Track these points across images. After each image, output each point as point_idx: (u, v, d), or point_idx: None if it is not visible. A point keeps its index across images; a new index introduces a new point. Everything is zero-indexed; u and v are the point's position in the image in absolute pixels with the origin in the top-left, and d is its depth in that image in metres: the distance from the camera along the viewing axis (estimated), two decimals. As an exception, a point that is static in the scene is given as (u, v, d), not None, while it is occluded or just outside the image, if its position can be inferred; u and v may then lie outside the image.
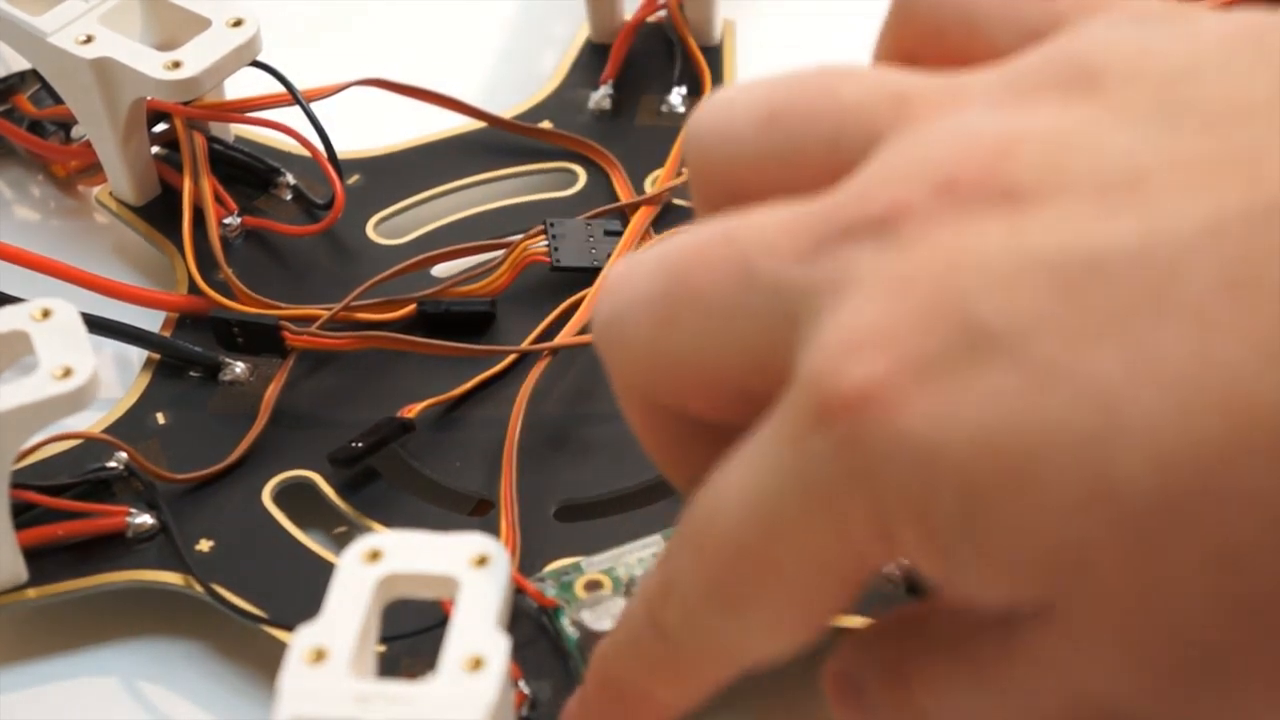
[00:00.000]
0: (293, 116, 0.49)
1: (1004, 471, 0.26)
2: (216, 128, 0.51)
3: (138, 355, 0.48)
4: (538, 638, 0.40)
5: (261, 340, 0.46)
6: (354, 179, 0.51)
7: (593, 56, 0.54)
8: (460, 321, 0.47)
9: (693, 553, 0.30)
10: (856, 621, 0.40)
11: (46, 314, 0.41)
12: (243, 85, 0.49)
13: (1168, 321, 0.26)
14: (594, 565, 0.41)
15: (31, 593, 0.42)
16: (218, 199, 0.49)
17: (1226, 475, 0.25)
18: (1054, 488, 0.26)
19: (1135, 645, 0.26)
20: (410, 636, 0.39)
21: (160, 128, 0.51)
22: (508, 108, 0.52)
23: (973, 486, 0.26)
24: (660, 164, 0.50)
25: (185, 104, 0.49)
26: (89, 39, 0.48)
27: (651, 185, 0.50)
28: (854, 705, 0.31)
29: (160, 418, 0.46)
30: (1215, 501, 0.25)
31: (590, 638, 0.39)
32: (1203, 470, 0.25)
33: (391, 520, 0.43)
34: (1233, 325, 0.25)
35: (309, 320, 0.46)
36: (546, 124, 0.52)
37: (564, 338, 0.46)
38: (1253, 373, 0.25)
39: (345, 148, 0.50)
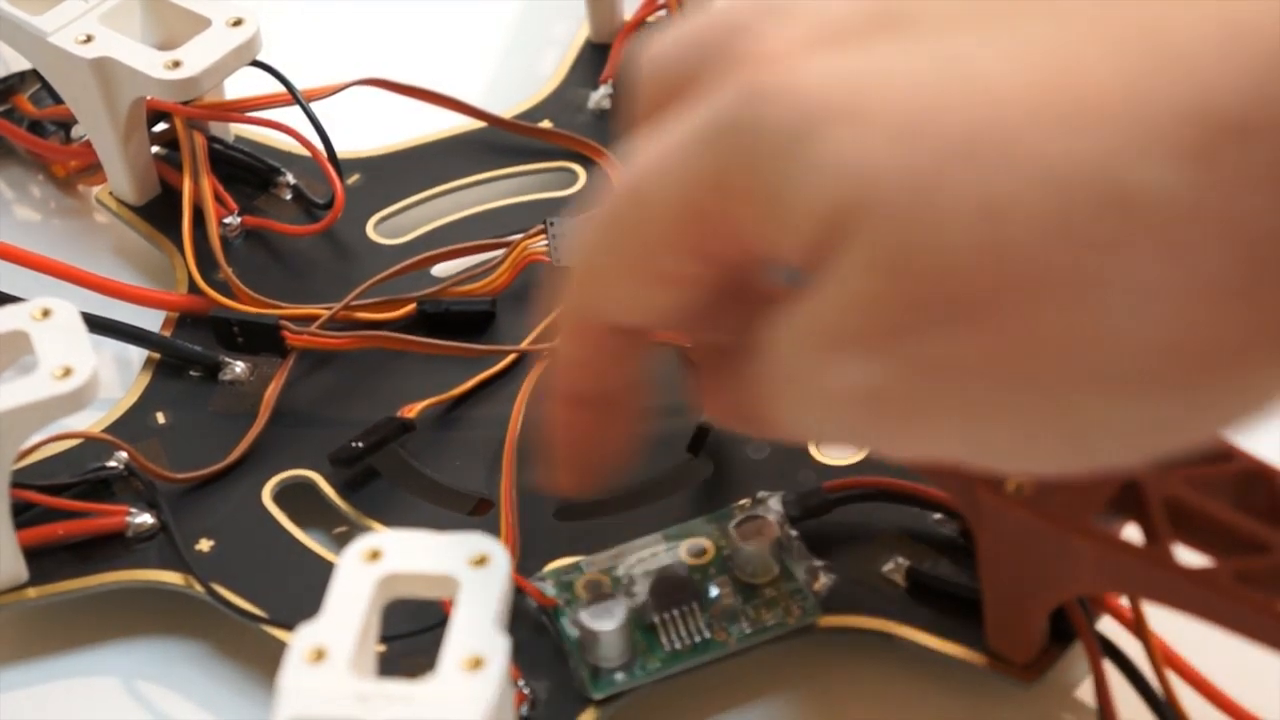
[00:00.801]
0: (293, 116, 0.49)
1: (844, 108, 0.29)
2: (216, 128, 0.51)
3: (138, 355, 0.48)
4: (538, 638, 0.40)
5: (261, 340, 0.46)
6: (354, 179, 0.51)
7: (593, 56, 0.54)
8: (460, 321, 0.47)
9: (608, 200, 0.34)
10: (840, 621, 0.40)
11: (46, 314, 0.41)
12: (243, 85, 0.49)
13: (1021, 21, 0.29)
14: (594, 565, 0.41)
15: (31, 593, 0.42)
16: (218, 199, 0.49)
17: (1019, 144, 0.28)
18: (880, 120, 0.29)
19: (894, 284, 0.29)
20: (410, 636, 0.39)
21: (160, 127, 0.51)
22: (508, 108, 0.52)
23: (811, 115, 0.30)
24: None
25: (185, 104, 0.49)
26: (89, 39, 0.48)
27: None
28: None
29: (160, 417, 0.46)
30: (1000, 156, 0.28)
31: (590, 638, 0.39)
32: (1000, 126, 0.28)
33: (391, 520, 0.43)
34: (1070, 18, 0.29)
35: (309, 320, 0.46)
36: (546, 124, 0.52)
37: (564, 337, 0.46)
38: (1073, 52, 0.29)
39: (345, 148, 0.50)
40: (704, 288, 0.34)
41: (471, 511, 0.44)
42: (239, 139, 0.52)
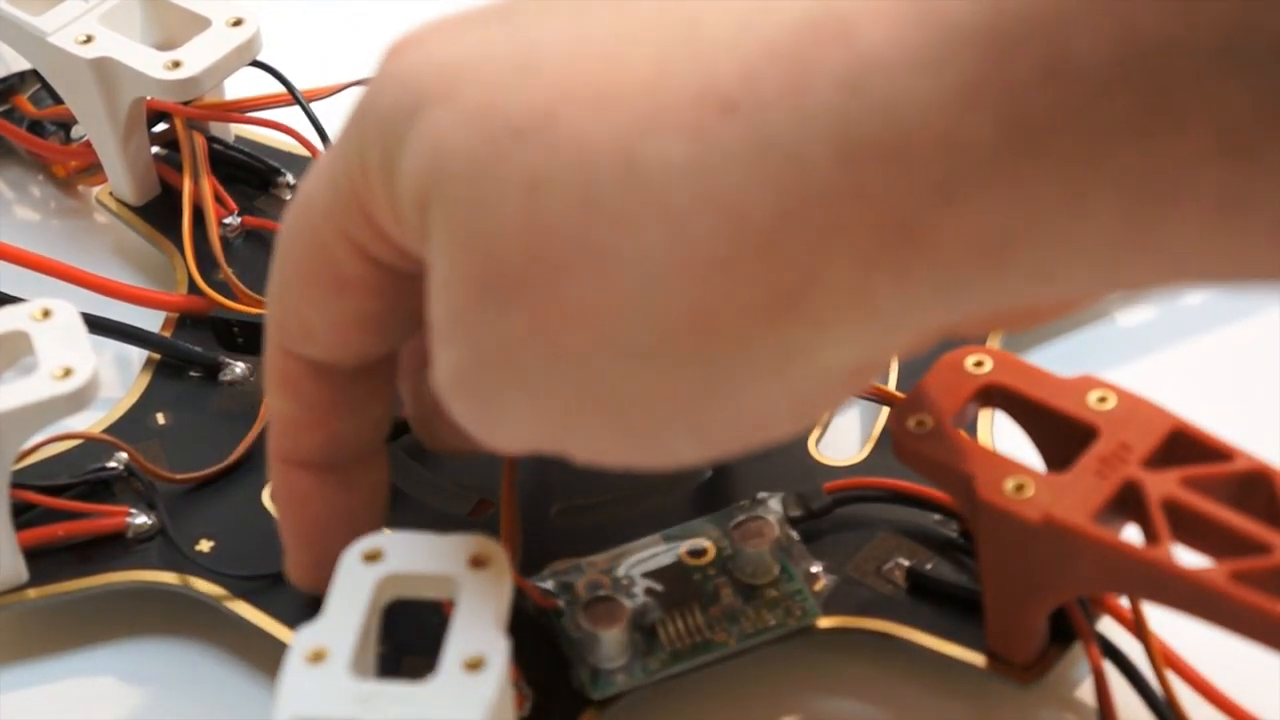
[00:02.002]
0: (293, 116, 0.49)
1: (441, 90, 0.31)
2: (216, 128, 0.51)
3: (138, 355, 0.48)
4: (538, 638, 0.40)
5: (261, 340, 0.46)
6: (354, 179, 0.51)
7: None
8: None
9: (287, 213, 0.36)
10: (840, 622, 0.40)
11: (46, 314, 0.41)
12: (243, 85, 0.49)
13: (595, 12, 0.32)
14: (594, 565, 0.41)
15: (31, 593, 0.42)
16: (218, 199, 0.49)
17: (559, 123, 0.31)
18: (461, 102, 0.31)
19: (459, 266, 0.31)
20: (409, 638, 0.39)
21: (160, 128, 0.51)
22: (508, 108, 0.52)
23: (418, 98, 0.32)
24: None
25: (185, 104, 0.49)
26: (89, 39, 0.48)
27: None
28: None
29: (160, 418, 0.46)
30: (543, 137, 0.30)
31: (590, 638, 0.39)
32: (548, 107, 0.31)
33: (391, 520, 0.43)
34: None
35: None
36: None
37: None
38: (626, 41, 0.31)
39: (345, 148, 0.50)
40: (378, 294, 0.35)
41: (471, 511, 0.44)
42: (239, 139, 0.52)
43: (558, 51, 0.31)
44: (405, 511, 0.43)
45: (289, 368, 0.37)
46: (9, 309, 0.41)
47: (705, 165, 0.30)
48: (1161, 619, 0.37)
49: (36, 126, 0.52)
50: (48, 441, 0.44)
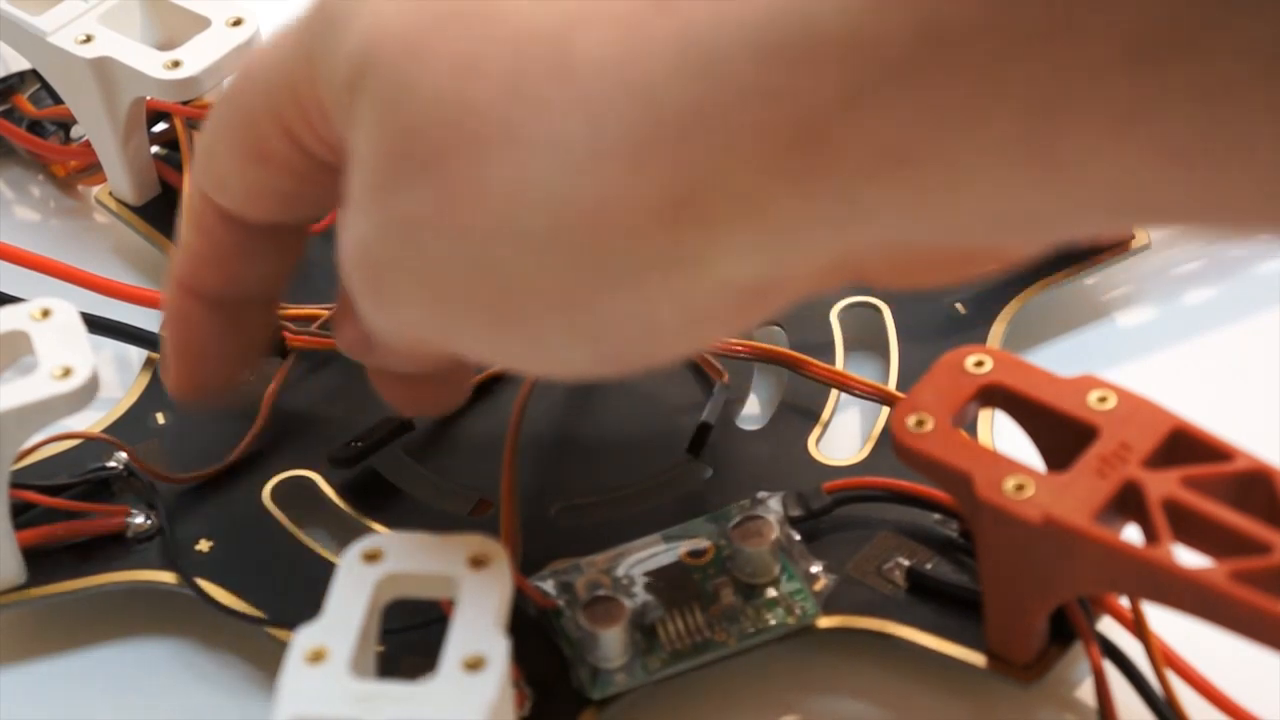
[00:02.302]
0: (293, 116, 0.49)
1: (402, 44, 0.32)
2: (216, 127, 0.51)
3: (138, 355, 0.48)
4: (538, 638, 0.40)
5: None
6: (354, 179, 0.51)
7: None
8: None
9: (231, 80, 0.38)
10: (841, 622, 0.40)
11: (46, 314, 0.41)
12: (243, 85, 0.49)
13: None
14: (594, 565, 0.41)
15: (31, 593, 0.42)
16: (218, 199, 0.49)
17: (499, 9, 0.31)
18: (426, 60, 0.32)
19: (382, 140, 0.33)
20: (409, 631, 0.39)
21: (160, 127, 0.51)
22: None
23: (370, 44, 0.33)
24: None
25: (185, 103, 0.49)
26: (89, 38, 0.48)
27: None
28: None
29: (160, 418, 0.46)
30: (481, 19, 0.31)
31: (590, 638, 0.39)
32: (487, 1, 0.32)
33: (391, 520, 0.43)
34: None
35: (309, 320, 0.46)
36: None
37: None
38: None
39: (345, 147, 0.50)
40: (294, 175, 0.36)
41: (471, 511, 0.44)
42: (239, 139, 0.52)
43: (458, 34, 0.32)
44: (405, 511, 0.43)
45: (203, 207, 0.39)
46: (9, 309, 0.41)
47: (631, 57, 0.30)
48: (1161, 619, 0.37)
49: (36, 126, 0.52)
50: (48, 441, 0.44)
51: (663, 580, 0.40)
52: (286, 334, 0.46)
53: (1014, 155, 0.29)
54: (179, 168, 0.49)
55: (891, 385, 0.44)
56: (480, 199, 0.32)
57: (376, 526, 0.43)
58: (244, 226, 0.38)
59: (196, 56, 0.47)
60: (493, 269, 0.32)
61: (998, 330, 0.46)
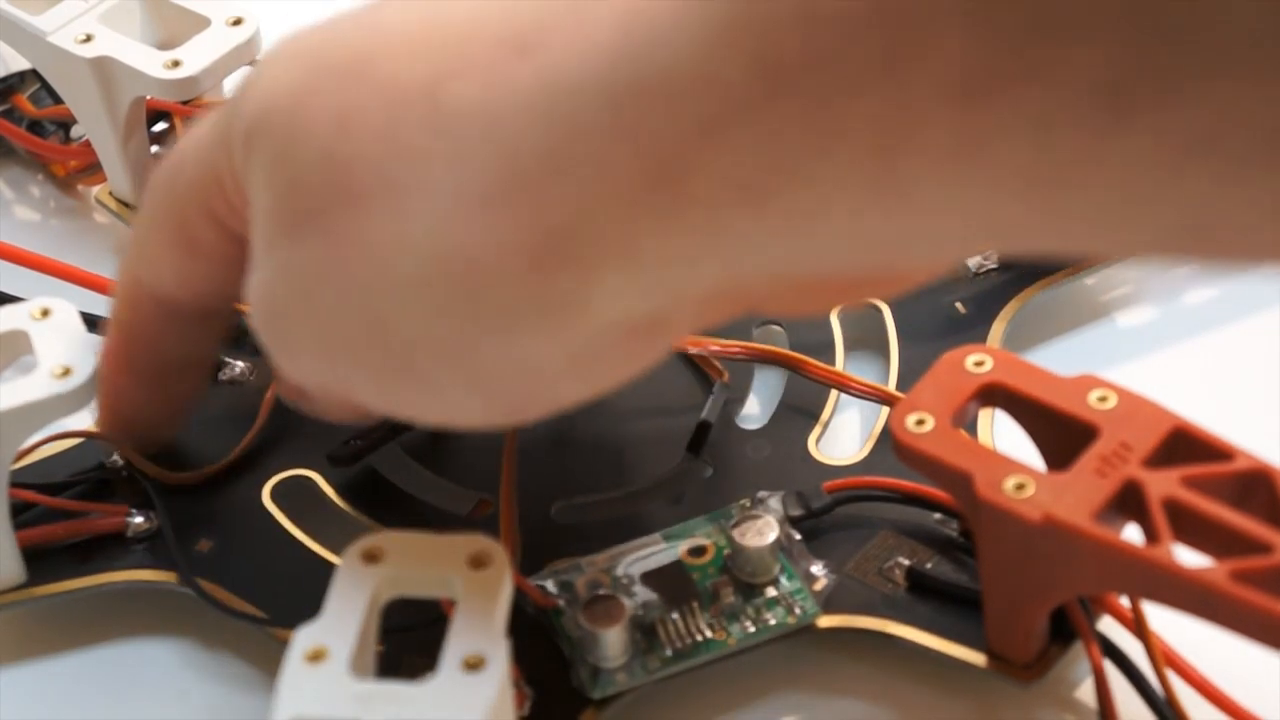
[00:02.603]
0: (292, 116, 0.49)
1: (289, 50, 0.34)
2: (216, 127, 0.51)
3: (137, 355, 0.48)
4: (538, 638, 0.40)
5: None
6: (354, 178, 0.51)
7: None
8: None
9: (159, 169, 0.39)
10: (841, 621, 0.40)
11: (46, 314, 0.41)
12: (242, 85, 0.49)
13: None
14: (594, 565, 0.41)
15: (31, 592, 0.42)
16: (217, 198, 0.49)
17: (375, 65, 0.32)
18: (299, 54, 0.34)
19: (272, 198, 0.34)
20: (409, 631, 0.39)
21: (160, 127, 0.51)
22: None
23: (265, 62, 0.35)
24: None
25: (185, 103, 0.49)
26: (89, 38, 0.48)
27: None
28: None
29: (160, 417, 0.46)
30: (358, 76, 0.32)
31: (590, 638, 0.39)
32: (369, 52, 0.33)
33: (391, 520, 0.43)
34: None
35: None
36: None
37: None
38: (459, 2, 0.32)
39: (345, 147, 0.50)
40: (225, 262, 0.37)
41: (471, 511, 0.44)
42: (239, 139, 0.52)
43: (395, 9, 0.33)
44: (405, 511, 0.43)
45: (136, 289, 0.40)
46: (9, 308, 0.41)
47: (493, 105, 0.31)
48: (1161, 619, 0.37)
49: (36, 126, 0.52)
50: (47, 441, 0.44)
51: (663, 580, 0.40)
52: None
53: (863, 185, 0.29)
54: (179, 167, 0.49)
55: (891, 385, 0.44)
56: (361, 249, 0.32)
57: (376, 526, 0.43)
58: (177, 309, 0.40)
59: (196, 56, 0.47)
60: (378, 319, 0.33)
61: (998, 330, 0.46)
